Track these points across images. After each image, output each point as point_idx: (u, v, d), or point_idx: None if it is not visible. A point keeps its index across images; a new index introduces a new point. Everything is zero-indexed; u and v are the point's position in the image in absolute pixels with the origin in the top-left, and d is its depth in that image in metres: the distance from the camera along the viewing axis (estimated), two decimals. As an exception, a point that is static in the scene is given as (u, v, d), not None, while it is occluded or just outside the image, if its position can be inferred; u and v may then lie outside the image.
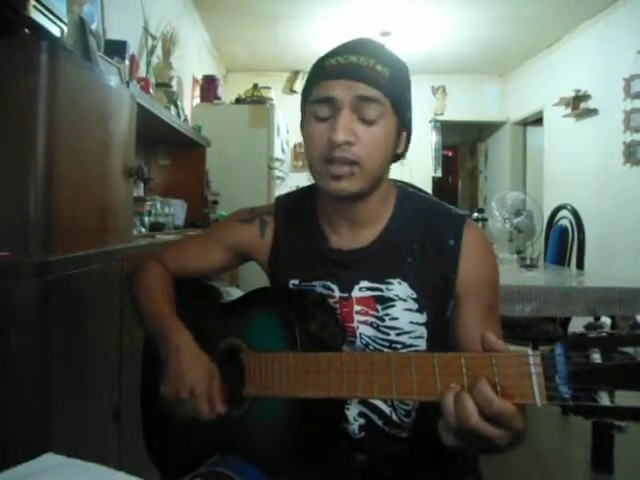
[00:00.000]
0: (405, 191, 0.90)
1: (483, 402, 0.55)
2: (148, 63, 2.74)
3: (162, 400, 0.83)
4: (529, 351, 0.54)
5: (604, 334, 0.51)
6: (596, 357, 0.50)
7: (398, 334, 0.82)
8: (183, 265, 0.99)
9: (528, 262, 2.58)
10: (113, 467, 0.58)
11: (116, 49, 2.01)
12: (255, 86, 4.30)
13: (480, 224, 2.99)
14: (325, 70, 0.78)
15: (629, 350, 0.49)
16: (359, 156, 0.77)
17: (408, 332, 0.82)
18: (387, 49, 0.83)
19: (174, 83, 2.91)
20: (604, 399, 0.49)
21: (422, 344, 0.82)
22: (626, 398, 0.49)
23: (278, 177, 4.20)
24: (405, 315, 0.82)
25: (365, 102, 0.76)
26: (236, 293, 0.98)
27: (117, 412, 1.40)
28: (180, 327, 0.86)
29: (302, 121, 0.84)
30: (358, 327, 0.83)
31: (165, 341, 0.85)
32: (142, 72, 2.63)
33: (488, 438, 0.56)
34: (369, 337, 0.83)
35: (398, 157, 0.88)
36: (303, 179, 5.28)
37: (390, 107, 0.78)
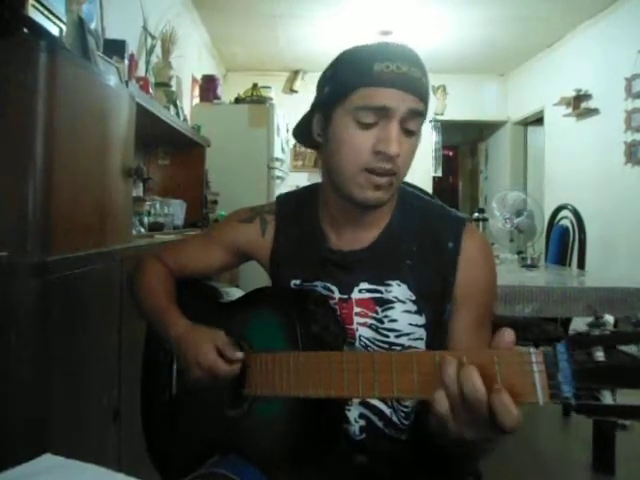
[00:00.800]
0: (406, 192, 0.90)
1: (469, 388, 0.54)
2: (147, 62, 2.74)
3: (188, 385, 0.84)
4: (531, 349, 0.53)
5: (607, 332, 0.50)
6: (599, 355, 0.50)
7: (397, 336, 0.82)
8: (183, 264, 0.99)
9: (529, 262, 2.57)
10: (112, 468, 0.58)
11: (115, 48, 2.00)
12: (255, 86, 4.29)
13: (480, 224, 2.99)
14: (375, 75, 0.74)
15: (632, 348, 0.48)
16: (400, 167, 0.77)
17: (407, 334, 0.82)
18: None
19: (173, 83, 2.91)
20: (607, 397, 0.49)
21: (421, 346, 0.82)
22: (629, 396, 0.49)
23: (278, 177, 4.19)
24: (404, 317, 0.82)
25: (413, 115, 0.75)
26: (236, 293, 0.98)
27: (116, 412, 1.39)
28: (180, 317, 0.88)
29: (328, 121, 0.80)
30: (357, 329, 0.83)
31: (166, 332, 0.87)
32: (141, 72, 2.63)
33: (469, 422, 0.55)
34: (368, 339, 0.83)
35: None
36: (303, 179, 5.29)
37: (424, 118, 0.79)
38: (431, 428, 0.62)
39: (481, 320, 0.83)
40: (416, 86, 0.75)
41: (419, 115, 0.76)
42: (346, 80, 0.76)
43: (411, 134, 0.77)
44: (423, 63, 0.78)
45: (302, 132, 0.90)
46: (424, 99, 0.77)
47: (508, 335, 0.55)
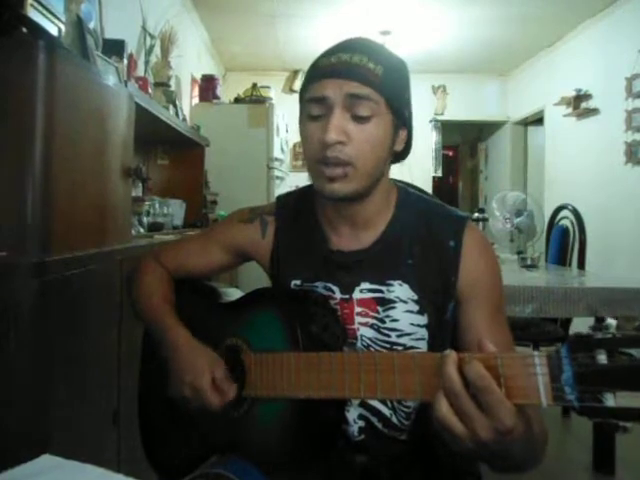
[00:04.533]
0: (406, 192, 0.90)
1: (473, 375, 0.53)
2: (146, 62, 2.73)
3: (174, 401, 0.82)
4: (535, 352, 0.53)
5: (610, 335, 0.50)
6: (602, 358, 0.50)
7: (399, 336, 0.82)
8: (182, 265, 0.98)
9: (529, 262, 2.57)
10: (111, 468, 0.58)
11: (114, 48, 2.00)
12: (254, 86, 4.29)
13: (481, 224, 2.99)
14: (319, 69, 0.78)
15: (635, 351, 0.48)
16: (352, 156, 0.76)
17: (409, 334, 0.82)
18: (383, 47, 0.82)
19: (173, 82, 2.91)
20: (609, 400, 0.49)
21: (423, 346, 0.82)
22: (631, 399, 0.49)
23: (277, 177, 4.19)
24: (406, 317, 0.82)
25: (357, 100, 0.75)
26: (235, 294, 0.98)
27: (116, 413, 1.39)
28: (178, 326, 0.87)
29: (299, 120, 0.84)
30: (359, 329, 0.83)
31: (163, 342, 0.85)
32: (140, 71, 2.62)
33: (470, 420, 0.53)
34: (370, 339, 0.82)
35: (399, 157, 0.87)
36: (303, 179, 5.25)
37: (384, 105, 0.77)
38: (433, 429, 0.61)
39: (496, 316, 0.82)
40: (356, 71, 0.75)
41: (365, 99, 0.75)
42: (304, 78, 0.82)
43: (363, 120, 0.76)
44: (383, 52, 0.80)
45: None
46: (370, 83, 0.75)
47: (486, 345, 0.56)
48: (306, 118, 0.79)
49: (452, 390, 0.54)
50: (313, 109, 0.78)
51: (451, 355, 0.56)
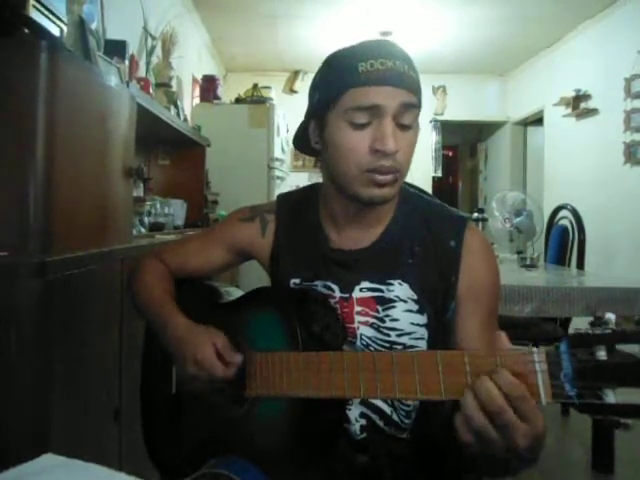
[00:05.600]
0: (407, 192, 0.90)
1: (507, 386, 0.53)
2: (148, 63, 2.74)
3: (184, 385, 0.83)
4: (534, 349, 0.53)
5: (609, 331, 0.50)
6: (601, 354, 0.50)
7: (398, 335, 0.82)
8: (183, 263, 0.99)
9: (528, 262, 2.58)
10: (113, 467, 0.58)
11: (116, 49, 2.01)
12: (255, 86, 4.29)
13: (480, 224, 2.99)
14: (361, 75, 0.74)
15: (634, 347, 0.48)
16: (401, 163, 0.77)
17: (408, 333, 0.82)
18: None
19: (174, 83, 2.92)
20: (610, 396, 0.49)
21: (423, 345, 0.82)
22: (632, 395, 0.49)
23: (278, 177, 4.19)
24: (406, 316, 0.82)
25: (406, 109, 0.75)
26: (236, 293, 0.98)
27: (117, 412, 1.40)
28: (178, 313, 0.87)
29: (322, 127, 0.80)
30: (358, 328, 0.83)
31: (164, 329, 0.86)
32: (142, 72, 2.63)
33: (511, 430, 0.53)
34: (369, 338, 0.83)
35: None
36: (303, 179, 5.29)
37: (419, 110, 0.79)
38: (455, 425, 0.61)
39: (487, 319, 0.83)
40: (404, 79, 0.75)
41: (412, 108, 0.76)
42: (334, 84, 0.77)
43: (407, 128, 0.77)
44: (408, 56, 0.78)
45: (301, 141, 0.90)
46: (415, 91, 0.76)
47: (504, 338, 0.56)
48: (346, 126, 0.76)
49: (494, 405, 0.53)
50: (359, 117, 0.75)
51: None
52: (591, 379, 0.49)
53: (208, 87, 4.09)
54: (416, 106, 0.77)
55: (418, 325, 0.82)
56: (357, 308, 0.83)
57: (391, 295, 0.82)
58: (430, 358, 0.59)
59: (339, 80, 0.76)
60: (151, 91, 2.40)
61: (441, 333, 0.83)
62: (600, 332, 0.50)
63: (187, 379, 0.82)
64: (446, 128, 6.37)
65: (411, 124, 0.77)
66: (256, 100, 4.12)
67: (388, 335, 0.82)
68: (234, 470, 0.80)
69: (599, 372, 0.49)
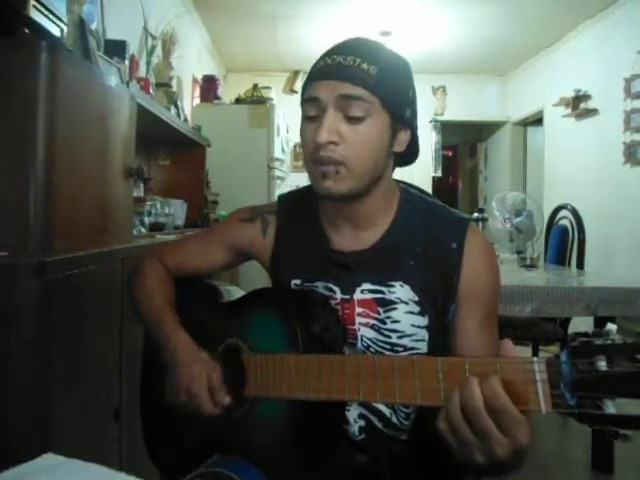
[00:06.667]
0: (408, 193, 0.90)
1: (490, 395, 0.53)
2: (148, 63, 2.74)
3: (170, 405, 0.82)
4: (534, 358, 0.53)
5: (610, 341, 0.50)
6: (602, 364, 0.49)
7: (399, 337, 0.82)
8: (183, 264, 0.99)
9: (528, 262, 2.58)
10: (113, 467, 0.58)
11: (116, 49, 2.01)
12: (255, 86, 4.30)
13: (480, 224, 2.99)
14: (314, 71, 0.80)
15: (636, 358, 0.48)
16: (345, 156, 0.77)
17: (409, 335, 0.82)
18: (381, 47, 0.82)
19: (174, 83, 2.92)
20: (609, 407, 0.48)
21: (423, 347, 0.82)
22: (631, 406, 0.48)
23: (278, 177, 4.19)
24: (407, 318, 0.82)
25: (349, 101, 0.76)
26: (236, 292, 0.98)
27: (117, 412, 1.39)
28: (178, 329, 0.86)
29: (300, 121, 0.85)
30: (359, 329, 0.83)
31: (163, 344, 0.85)
32: (142, 72, 2.63)
33: (488, 437, 0.54)
34: (370, 339, 0.83)
35: (405, 159, 0.88)
36: (303, 179, 5.26)
37: (379, 105, 0.77)
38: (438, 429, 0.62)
39: (487, 321, 0.83)
40: (347, 72, 0.76)
41: (357, 99, 0.76)
42: (304, 82, 0.83)
43: (357, 120, 0.77)
44: (379, 52, 0.80)
45: None
46: (362, 83, 0.76)
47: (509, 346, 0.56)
48: (303, 119, 0.81)
49: (469, 407, 0.54)
50: (309, 110, 0.79)
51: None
52: (591, 389, 0.49)
53: (208, 87, 4.10)
54: (362, 99, 0.76)
55: (419, 327, 0.82)
56: (358, 309, 0.83)
57: (392, 297, 0.82)
58: (431, 364, 0.59)
59: (306, 77, 0.83)
60: (151, 91, 2.40)
61: (442, 335, 0.83)
62: (601, 343, 0.50)
63: (176, 404, 0.81)
64: (446, 128, 6.37)
65: (361, 117, 0.76)
66: (256, 100, 4.12)
67: (389, 337, 0.82)
68: (234, 470, 0.80)
69: (599, 382, 0.49)
